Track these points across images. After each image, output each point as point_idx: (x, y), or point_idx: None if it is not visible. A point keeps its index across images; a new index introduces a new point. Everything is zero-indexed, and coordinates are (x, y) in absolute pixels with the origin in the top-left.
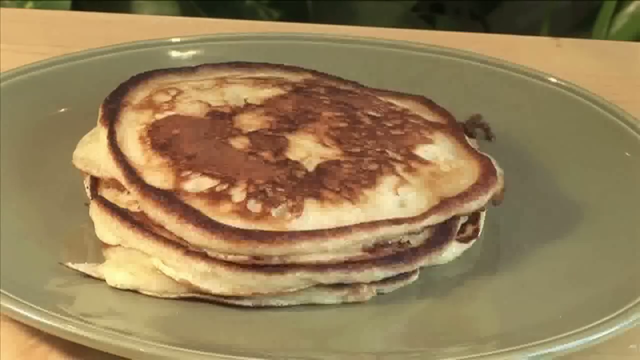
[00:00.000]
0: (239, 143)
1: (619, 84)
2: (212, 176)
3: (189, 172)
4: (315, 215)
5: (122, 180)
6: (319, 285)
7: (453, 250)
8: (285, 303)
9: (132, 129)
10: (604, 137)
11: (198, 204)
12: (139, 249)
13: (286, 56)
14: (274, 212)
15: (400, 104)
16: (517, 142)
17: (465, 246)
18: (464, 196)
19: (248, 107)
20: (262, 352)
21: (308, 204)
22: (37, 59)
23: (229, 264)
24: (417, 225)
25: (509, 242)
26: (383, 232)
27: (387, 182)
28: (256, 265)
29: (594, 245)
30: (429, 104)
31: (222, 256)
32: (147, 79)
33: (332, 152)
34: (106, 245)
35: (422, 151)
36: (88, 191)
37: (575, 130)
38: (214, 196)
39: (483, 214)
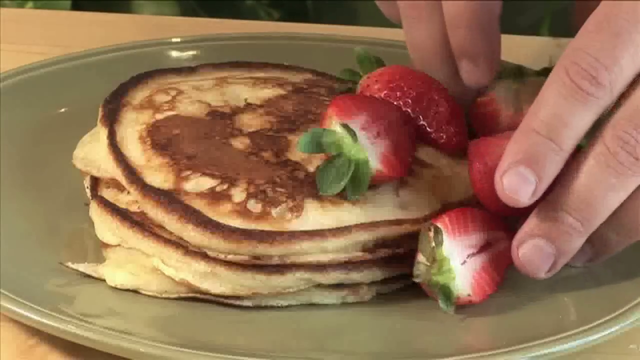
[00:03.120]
0: (240, 143)
1: None
2: (212, 176)
3: (189, 172)
4: (315, 215)
5: (122, 180)
6: (319, 286)
7: None
8: (285, 303)
9: (132, 129)
10: None
11: (198, 204)
12: (139, 249)
13: (286, 56)
14: (274, 212)
15: None
16: None
17: None
18: (465, 202)
19: (248, 107)
20: (262, 352)
21: (308, 204)
22: (37, 59)
23: (229, 264)
24: (418, 227)
25: None
26: (383, 232)
27: (388, 183)
28: (256, 265)
29: None
30: None
31: (222, 256)
32: (147, 79)
33: None
34: (106, 245)
35: (424, 154)
36: (88, 191)
37: None
38: (214, 196)
39: None
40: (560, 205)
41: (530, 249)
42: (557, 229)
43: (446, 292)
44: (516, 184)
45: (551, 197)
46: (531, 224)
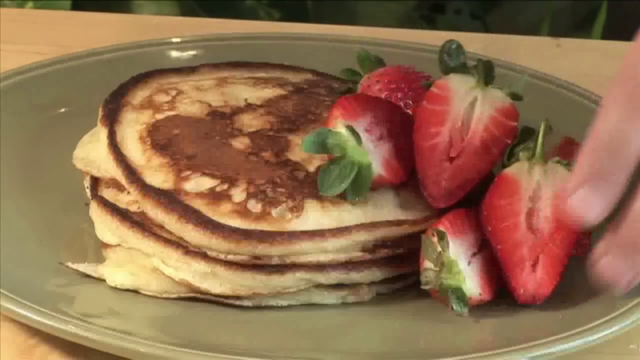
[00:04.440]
0: (240, 143)
1: None
2: (212, 176)
3: (189, 172)
4: (315, 215)
5: (122, 180)
6: (319, 285)
7: None
8: (285, 303)
9: (132, 129)
10: None
11: (198, 204)
12: (139, 249)
13: (286, 56)
14: (274, 212)
15: None
16: None
17: None
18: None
19: (248, 107)
20: (262, 352)
21: (308, 204)
22: (37, 59)
23: (228, 264)
24: (418, 228)
25: None
26: (383, 233)
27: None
28: (256, 265)
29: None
30: None
31: (222, 256)
32: (147, 79)
33: None
34: (106, 245)
35: None
36: (88, 191)
37: (575, 130)
38: (214, 196)
39: None
40: (636, 221)
41: (606, 265)
42: (635, 246)
43: (459, 295)
44: (583, 204)
45: (627, 213)
46: (608, 241)
